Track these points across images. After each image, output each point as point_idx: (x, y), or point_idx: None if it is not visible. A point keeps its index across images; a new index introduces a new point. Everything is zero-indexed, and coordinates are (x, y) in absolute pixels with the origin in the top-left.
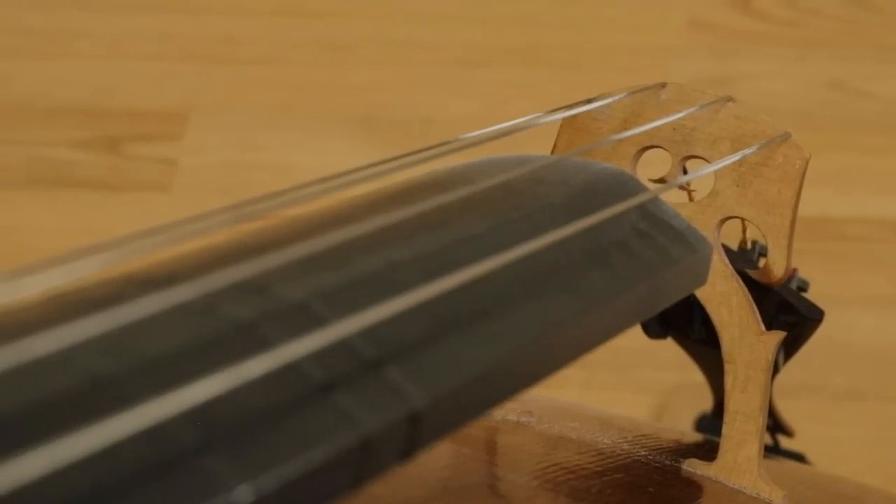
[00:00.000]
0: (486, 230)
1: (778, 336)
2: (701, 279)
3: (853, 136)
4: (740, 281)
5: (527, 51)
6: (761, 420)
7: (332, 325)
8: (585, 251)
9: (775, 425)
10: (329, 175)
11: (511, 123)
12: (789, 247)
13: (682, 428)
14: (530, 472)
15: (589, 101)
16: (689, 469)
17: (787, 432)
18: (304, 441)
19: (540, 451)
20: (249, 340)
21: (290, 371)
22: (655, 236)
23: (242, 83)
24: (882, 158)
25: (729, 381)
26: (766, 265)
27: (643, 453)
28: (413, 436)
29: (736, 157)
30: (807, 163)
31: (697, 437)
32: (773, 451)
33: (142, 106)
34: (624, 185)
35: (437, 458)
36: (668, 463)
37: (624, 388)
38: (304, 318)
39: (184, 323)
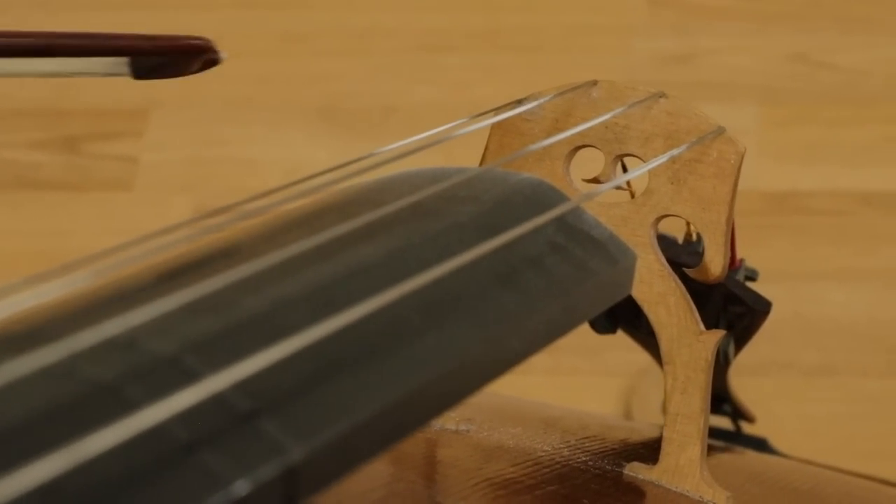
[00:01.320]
0: (386, 258)
1: (717, 335)
2: (623, 290)
3: (817, 108)
4: (678, 280)
5: (488, 35)
6: (702, 421)
7: (204, 380)
8: (493, 273)
9: (735, 412)
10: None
11: (437, 130)
12: (727, 244)
13: (652, 409)
14: (459, 490)
15: (519, 102)
16: (631, 474)
17: (748, 418)
18: None
19: (473, 466)
20: (111, 404)
21: (153, 434)
22: (573, 249)
23: (203, 77)
24: (847, 130)
25: (668, 382)
26: (703, 263)
27: (583, 459)
28: (292, 491)
29: (664, 159)
30: (741, 157)
31: (649, 432)
32: (734, 436)
33: (101, 104)
34: (541, 197)
35: (365, 481)
36: (609, 468)
37: (593, 371)
38: (174, 374)
39: (39, 389)
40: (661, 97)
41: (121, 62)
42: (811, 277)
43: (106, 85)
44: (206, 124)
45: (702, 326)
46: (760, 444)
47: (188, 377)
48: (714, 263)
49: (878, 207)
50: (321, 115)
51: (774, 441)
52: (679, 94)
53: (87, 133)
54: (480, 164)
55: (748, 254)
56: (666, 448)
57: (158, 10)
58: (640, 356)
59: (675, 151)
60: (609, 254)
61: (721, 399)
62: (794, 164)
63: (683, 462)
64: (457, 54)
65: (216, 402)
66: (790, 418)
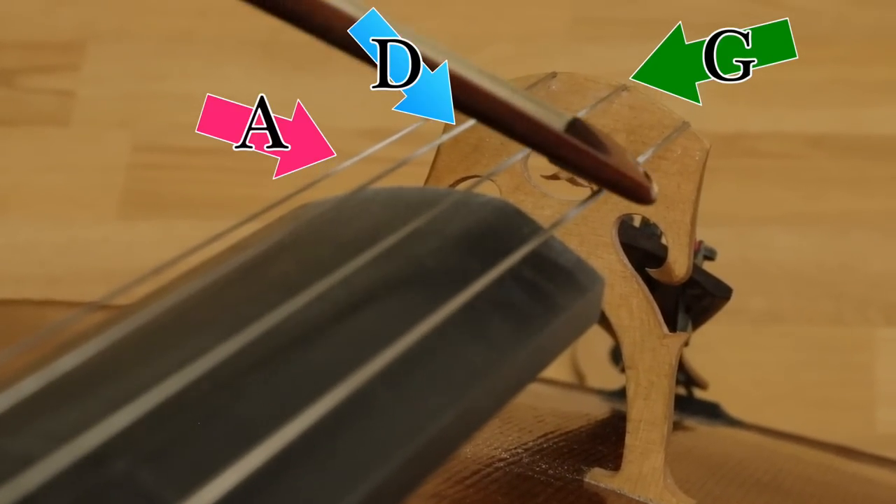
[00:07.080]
0: (350, 323)
1: (681, 338)
2: (590, 321)
3: None
4: (641, 281)
5: None
6: (666, 428)
7: None
8: (460, 326)
9: (688, 379)
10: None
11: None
12: (691, 244)
13: (598, 356)
14: None
15: None
16: (592, 482)
17: (701, 385)
18: None
19: (429, 491)
20: None
21: None
22: (541, 284)
23: (141, 9)
24: (797, 71)
25: (631, 388)
26: (667, 264)
27: (543, 467)
28: None
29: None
30: (707, 154)
31: (600, 412)
32: (686, 401)
33: (36, 36)
34: (507, 225)
35: None
36: (570, 477)
37: None
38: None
39: None
40: (623, 90)
41: None
42: (758, 222)
43: (41, 16)
44: (144, 58)
45: (665, 329)
46: (713, 409)
47: None
48: (678, 264)
49: (828, 150)
50: (262, 50)
51: (724, 389)
52: (625, 32)
53: (22, 66)
54: (435, 157)
55: None
56: (628, 455)
57: None
58: None
59: (641, 159)
60: (578, 283)
61: None
62: (743, 105)
63: (647, 470)
64: None
65: None
66: (738, 366)
